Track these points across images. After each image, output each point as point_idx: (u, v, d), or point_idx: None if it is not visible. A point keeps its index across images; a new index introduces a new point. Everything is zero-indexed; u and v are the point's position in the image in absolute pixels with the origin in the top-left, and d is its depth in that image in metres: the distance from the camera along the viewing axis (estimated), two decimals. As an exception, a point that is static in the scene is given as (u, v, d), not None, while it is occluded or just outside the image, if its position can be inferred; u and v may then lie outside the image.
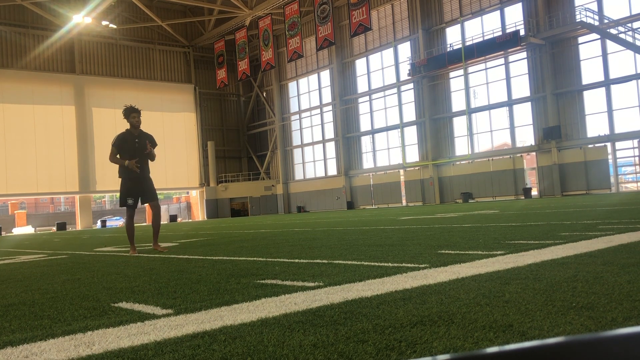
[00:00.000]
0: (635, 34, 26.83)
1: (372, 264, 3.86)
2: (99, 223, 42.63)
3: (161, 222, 7.43)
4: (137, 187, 6.77)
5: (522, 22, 30.87)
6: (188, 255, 5.87)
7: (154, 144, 6.92)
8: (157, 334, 2.05)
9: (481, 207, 18.13)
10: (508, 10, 31.85)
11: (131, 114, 6.70)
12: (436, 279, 2.92)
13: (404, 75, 36.47)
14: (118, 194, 7.41)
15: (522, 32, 30.22)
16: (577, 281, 2.55)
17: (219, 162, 47.85)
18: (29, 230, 41.40)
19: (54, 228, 40.11)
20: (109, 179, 40.28)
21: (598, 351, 0.40)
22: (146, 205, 7.18)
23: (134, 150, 6.73)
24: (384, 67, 38.78)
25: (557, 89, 29.59)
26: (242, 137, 50.45)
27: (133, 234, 6.85)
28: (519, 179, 31.40)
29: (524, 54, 31.02)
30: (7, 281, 4.43)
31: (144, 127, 6.96)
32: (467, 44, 32.63)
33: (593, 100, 28.86)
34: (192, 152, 45.64)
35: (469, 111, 33.33)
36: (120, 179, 6.84)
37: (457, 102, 34.40)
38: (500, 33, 31.49)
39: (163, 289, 3.33)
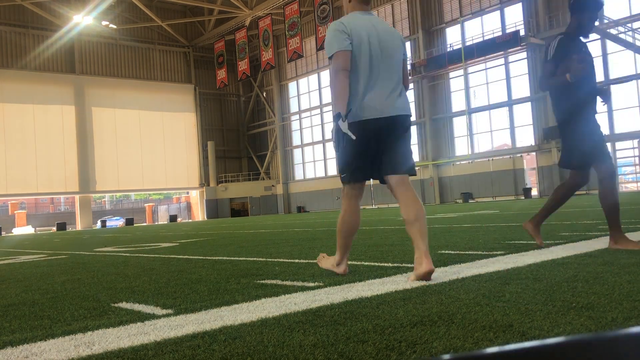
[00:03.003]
0: (635, 34, 26.83)
1: (372, 264, 3.86)
2: (99, 223, 42.59)
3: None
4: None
5: (522, 22, 30.87)
6: (188, 255, 5.87)
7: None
8: (157, 334, 2.05)
9: (481, 207, 18.12)
10: (508, 10, 31.85)
11: None
12: (436, 279, 2.92)
13: (404, 76, 36.44)
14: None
15: (522, 33, 30.22)
16: (577, 281, 2.55)
17: (219, 162, 47.84)
18: (29, 230, 41.38)
19: (54, 228, 40.09)
20: (109, 179, 40.29)
21: (598, 351, 0.40)
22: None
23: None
24: (384, 67, 38.74)
25: (557, 89, 29.55)
26: (242, 137, 50.42)
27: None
28: (519, 179, 31.39)
29: (524, 54, 31.01)
30: (7, 281, 4.43)
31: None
32: (467, 44, 32.62)
33: (593, 101, 28.84)
34: (192, 152, 45.61)
35: (469, 111, 33.31)
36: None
37: (457, 102, 34.40)
38: (500, 33, 31.48)
39: (163, 289, 3.33)
